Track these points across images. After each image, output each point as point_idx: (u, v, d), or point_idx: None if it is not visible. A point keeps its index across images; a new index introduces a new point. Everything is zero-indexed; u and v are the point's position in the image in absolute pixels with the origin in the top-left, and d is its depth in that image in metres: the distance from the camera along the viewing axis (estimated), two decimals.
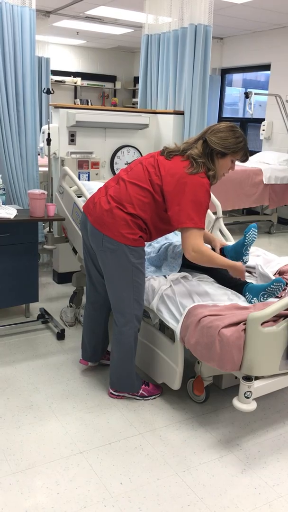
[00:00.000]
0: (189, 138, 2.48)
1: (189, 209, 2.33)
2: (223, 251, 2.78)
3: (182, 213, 2.34)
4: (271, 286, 2.47)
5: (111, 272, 2.46)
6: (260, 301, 2.50)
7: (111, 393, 2.65)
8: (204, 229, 2.40)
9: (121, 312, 2.50)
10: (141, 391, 2.64)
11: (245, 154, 2.45)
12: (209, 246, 2.87)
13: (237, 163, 2.51)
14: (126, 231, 2.37)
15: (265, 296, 2.50)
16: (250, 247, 2.68)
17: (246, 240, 2.63)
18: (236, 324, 2.19)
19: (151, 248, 3.02)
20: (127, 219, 2.37)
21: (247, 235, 2.62)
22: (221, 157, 2.40)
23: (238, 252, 2.68)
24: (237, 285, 2.66)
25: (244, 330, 2.17)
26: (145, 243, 2.52)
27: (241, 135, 2.40)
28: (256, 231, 2.65)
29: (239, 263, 2.54)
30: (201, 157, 2.37)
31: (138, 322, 2.53)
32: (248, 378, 2.17)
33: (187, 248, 2.38)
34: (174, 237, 3.10)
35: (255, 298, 2.52)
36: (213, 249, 2.79)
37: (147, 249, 2.99)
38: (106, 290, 2.66)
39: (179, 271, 2.75)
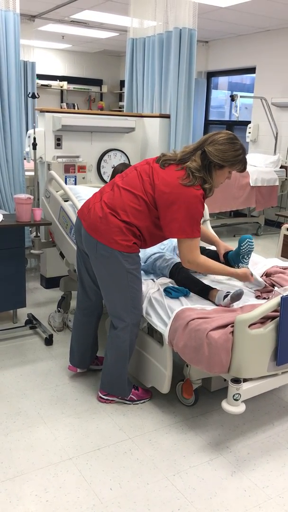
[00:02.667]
0: (187, 146, 2.45)
1: (182, 221, 2.33)
2: (227, 256, 2.79)
3: (174, 225, 2.34)
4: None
5: (106, 278, 2.45)
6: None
7: (100, 397, 2.64)
8: (199, 237, 2.42)
9: (118, 317, 2.48)
10: (130, 395, 2.62)
11: (243, 166, 2.44)
12: (214, 248, 2.89)
13: None
14: (119, 238, 2.36)
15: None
16: (248, 256, 2.72)
17: (242, 250, 2.70)
18: (224, 326, 2.20)
19: (142, 254, 3.01)
20: (121, 226, 2.35)
21: (242, 246, 2.69)
22: (219, 168, 2.38)
23: (236, 261, 2.74)
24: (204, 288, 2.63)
25: (232, 332, 2.17)
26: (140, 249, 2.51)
27: (240, 147, 2.37)
28: (252, 242, 2.71)
29: (241, 271, 2.62)
30: (199, 171, 2.34)
31: (135, 327, 2.51)
32: (236, 380, 2.18)
33: (183, 259, 2.46)
34: (169, 243, 3.10)
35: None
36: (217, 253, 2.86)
37: None
38: (97, 296, 2.66)
39: None
